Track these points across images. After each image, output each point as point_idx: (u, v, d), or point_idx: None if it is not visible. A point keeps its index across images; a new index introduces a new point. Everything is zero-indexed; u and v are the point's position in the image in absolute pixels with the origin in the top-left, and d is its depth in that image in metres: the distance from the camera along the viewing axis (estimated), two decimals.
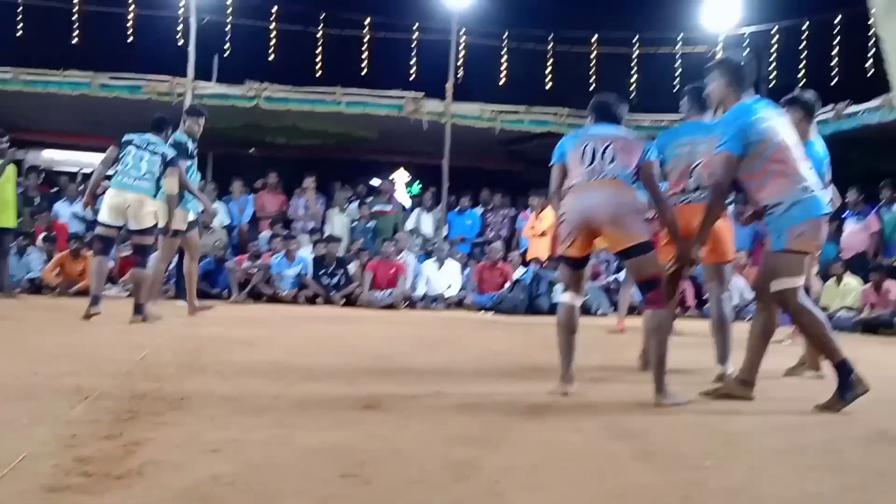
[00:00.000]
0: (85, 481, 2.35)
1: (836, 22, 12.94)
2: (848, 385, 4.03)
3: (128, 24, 15.32)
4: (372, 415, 3.53)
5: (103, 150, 8.52)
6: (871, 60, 12.61)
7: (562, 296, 4.60)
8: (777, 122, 4.37)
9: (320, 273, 11.74)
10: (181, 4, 14.89)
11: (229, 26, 14.97)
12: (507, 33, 15.22)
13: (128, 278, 9.05)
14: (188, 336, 6.43)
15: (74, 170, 16.53)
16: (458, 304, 12.04)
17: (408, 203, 15.82)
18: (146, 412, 3.36)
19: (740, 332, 4.96)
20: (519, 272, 12.20)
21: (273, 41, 15.17)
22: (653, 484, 2.58)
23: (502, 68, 15.28)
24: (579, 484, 2.55)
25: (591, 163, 4.30)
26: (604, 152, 4.29)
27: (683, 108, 5.37)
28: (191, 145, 8.09)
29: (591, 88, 15.33)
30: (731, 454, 3.04)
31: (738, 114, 4.31)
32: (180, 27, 14.32)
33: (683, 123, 5.39)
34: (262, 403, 3.67)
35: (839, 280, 10.51)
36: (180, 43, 14.05)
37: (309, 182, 13.74)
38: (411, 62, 15.08)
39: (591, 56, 15.36)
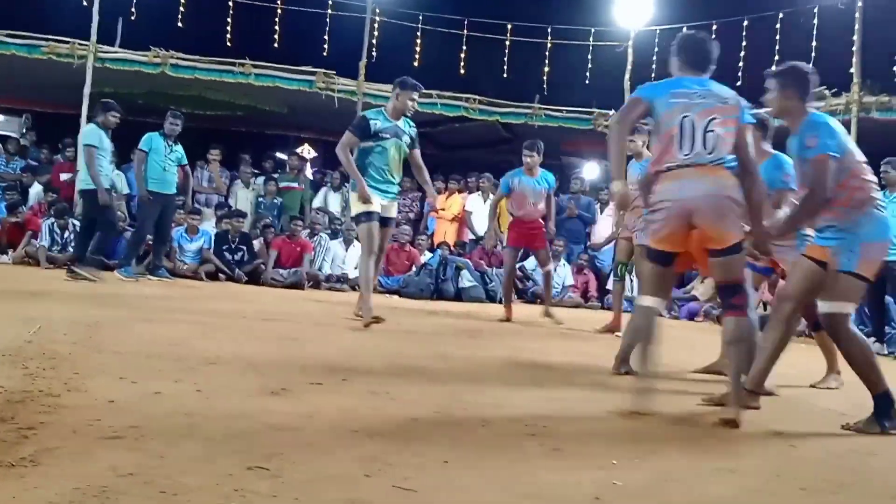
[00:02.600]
0: None
1: (743, 26, 13.28)
2: (889, 415, 3.87)
3: None
4: (278, 402, 3.45)
5: None
6: (774, 65, 12.99)
7: (643, 298, 4.06)
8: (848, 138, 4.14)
9: (223, 248, 11.48)
10: None
11: None
12: (421, 16, 15.13)
13: None
14: (82, 311, 6.17)
15: None
16: None
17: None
18: (40, 393, 3.21)
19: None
20: (426, 256, 12.21)
21: (181, 8, 14.68)
22: (563, 483, 2.59)
23: (416, 51, 15.18)
24: (491, 483, 2.54)
25: (692, 144, 3.85)
26: (705, 132, 3.84)
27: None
28: (379, 124, 6.98)
29: (504, 76, 15.41)
30: (635, 454, 3.07)
31: (824, 123, 4.04)
32: None
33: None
34: (162, 387, 3.55)
35: None
36: (84, 4, 13.46)
37: (214, 154, 13.43)
38: (324, 39, 14.83)
39: (505, 44, 15.39)
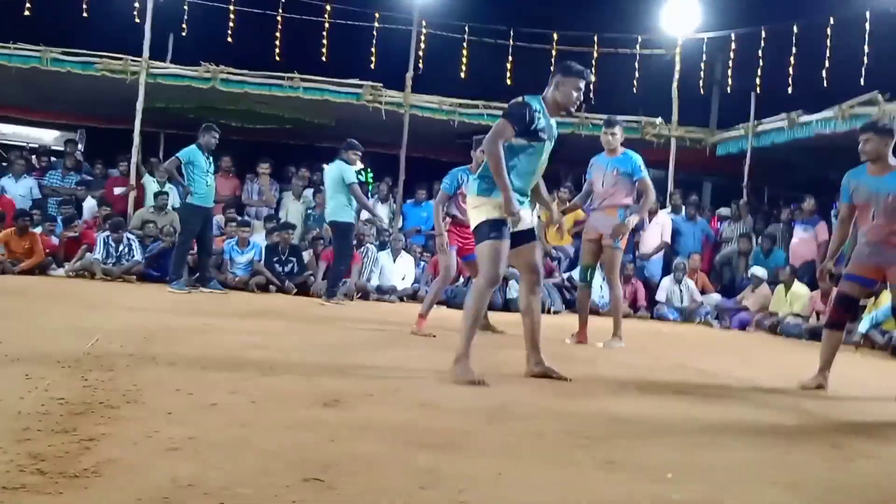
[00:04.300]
0: (40, 480, 2.27)
1: (793, 32, 13.12)
2: None
3: (83, 0, 14.91)
4: (331, 414, 3.48)
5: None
6: (825, 72, 12.82)
7: None
8: None
9: (273, 260, 11.62)
10: None
11: (186, 6, 14.71)
12: (467, 27, 15.20)
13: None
14: (137, 323, 6.29)
15: (22, 144, 16.18)
16: (412, 296, 11.99)
17: None
18: (100, 405, 3.28)
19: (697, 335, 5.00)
20: None
21: (231, 23, 14.93)
22: (618, 497, 2.58)
23: (462, 62, 15.25)
24: (545, 496, 2.53)
25: None
26: None
27: None
28: (541, 120, 5.14)
29: None
30: (691, 466, 3.04)
31: None
32: (136, 5, 14.04)
33: None
34: (218, 398, 3.60)
35: (788, 287, 10.68)
36: (136, 21, 13.76)
37: (264, 167, 13.63)
38: (371, 51, 14.98)
39: (551, 53, 15.38)
